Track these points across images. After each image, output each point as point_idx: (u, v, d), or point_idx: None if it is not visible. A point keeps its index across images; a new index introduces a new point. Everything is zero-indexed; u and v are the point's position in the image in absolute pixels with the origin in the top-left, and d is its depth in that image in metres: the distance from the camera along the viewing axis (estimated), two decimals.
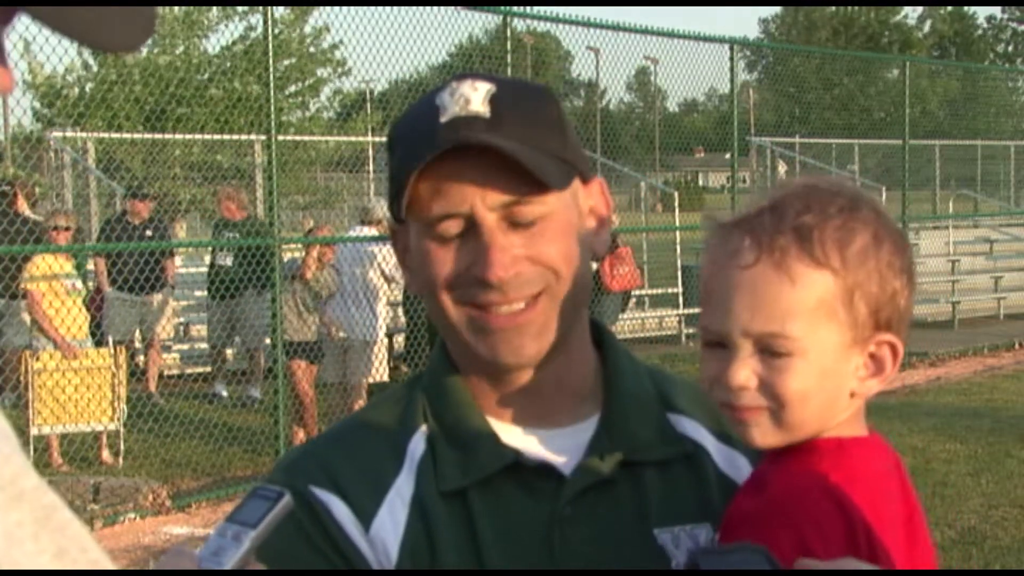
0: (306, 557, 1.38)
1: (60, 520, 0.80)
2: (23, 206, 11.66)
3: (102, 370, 9.43)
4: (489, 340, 1.39)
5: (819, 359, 1.29)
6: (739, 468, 1.48)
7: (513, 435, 1.44)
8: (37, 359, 9.35)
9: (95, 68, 18.87)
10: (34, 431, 9.27)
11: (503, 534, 1.38)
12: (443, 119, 1.37)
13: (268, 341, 10.18)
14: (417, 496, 1.40)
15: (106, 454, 9.62)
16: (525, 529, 1.39)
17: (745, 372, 1.30)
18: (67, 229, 9.98)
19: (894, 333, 1.32)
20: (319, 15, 17.48)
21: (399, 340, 13.66)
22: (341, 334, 10.28)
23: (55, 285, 9.71)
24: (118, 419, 9.49)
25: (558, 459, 1.43)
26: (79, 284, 10.01)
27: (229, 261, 11.70)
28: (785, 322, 1.28)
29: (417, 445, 1.44)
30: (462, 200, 1.36)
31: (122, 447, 9.69)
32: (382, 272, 10.44)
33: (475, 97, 1.38)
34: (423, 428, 1.45)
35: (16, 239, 10.17)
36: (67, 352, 9.44)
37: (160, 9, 18.31)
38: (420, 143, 1.37)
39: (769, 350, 1.30)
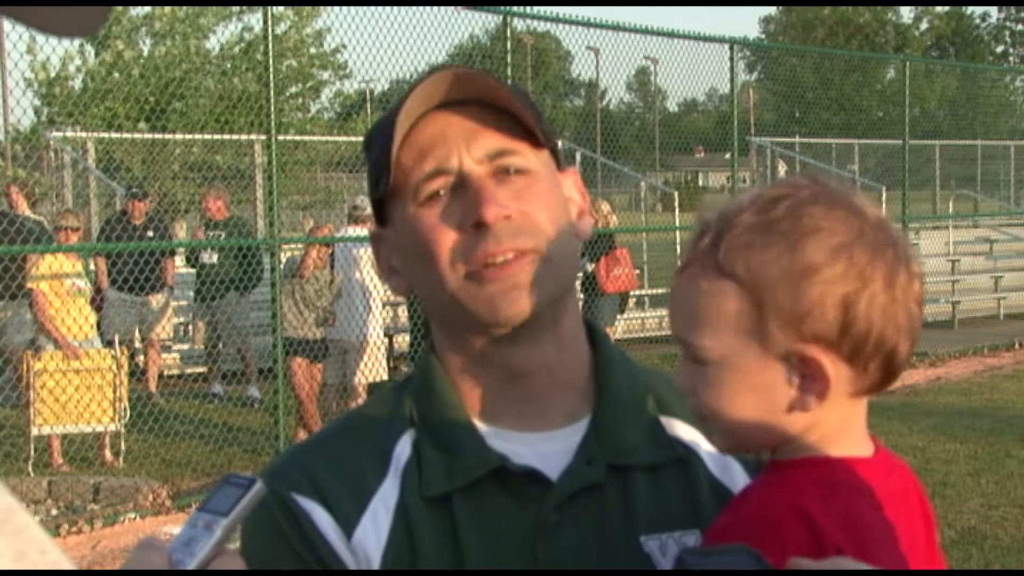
0: (286, 564, 1.37)
1: (18, 523, 0.79)
2: (23, 206, 11.66)
3: (103, 371, 9.41)
4: (486, 294, 1.36)
5: (734, 370, 1.26)
6: (732, 474, 1.46)
7: (501, 438, 1.42)
8: (39, 359, 9.35)
9: (94, 64, 18.87)
10: (35, 431, 9.27)
11: (487, 541, 1.36)
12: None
13: (269, 339, 10.18)
14: (401, 503, 1.39)
15: (108, 454, 9.60)
16: (510, 536, 1.37)
17: (682, 378, 1.30)
18: (76, 229, 9.96)
19: (826, 347, 1.24)
20: (322, 16, 17.48)
21: (399, 340, 13.67)
22: (337, 335, 10.28)
23: (57, 285, 9.70)
24: (119, 420, 9.47)
25: (546, 463, 1.40)
26: (83, 284, 9.98)
27: (215, 259, 11.79)
28: (693, 330, 1.27)
29: (403, 450, 1.42)
30: (448, 155, 1.36)
31: (123, 447, 9.67)
32: (376, 272, 10.44)
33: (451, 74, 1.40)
34: (409, 432, 1.43)
35: (16, 239, 10.16)
36: (69, 352, 9.44)
37: (157, 8, 18.31)
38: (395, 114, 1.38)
39: (692, 359, 1.29)
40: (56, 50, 17.53)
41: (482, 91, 1.37)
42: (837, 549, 1.20)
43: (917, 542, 1.31)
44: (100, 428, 9.48)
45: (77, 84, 18.32)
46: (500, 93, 1.37)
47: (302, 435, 9.80)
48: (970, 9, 72.03)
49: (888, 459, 1.34)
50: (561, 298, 1.42)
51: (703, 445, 1.45)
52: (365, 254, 10.45)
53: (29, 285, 9.82)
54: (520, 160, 1.38)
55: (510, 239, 1.35)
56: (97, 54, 18.48)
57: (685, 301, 1.28)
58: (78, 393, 9.31)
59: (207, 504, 1.15)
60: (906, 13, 73.08)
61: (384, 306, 11.09)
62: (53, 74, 18.11)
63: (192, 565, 1.10)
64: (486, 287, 1.36)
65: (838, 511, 1.23)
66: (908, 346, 1.28)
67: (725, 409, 1.27)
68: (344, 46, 17.24)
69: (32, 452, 9.24)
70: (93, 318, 10.10)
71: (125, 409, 9.55)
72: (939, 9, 70.03)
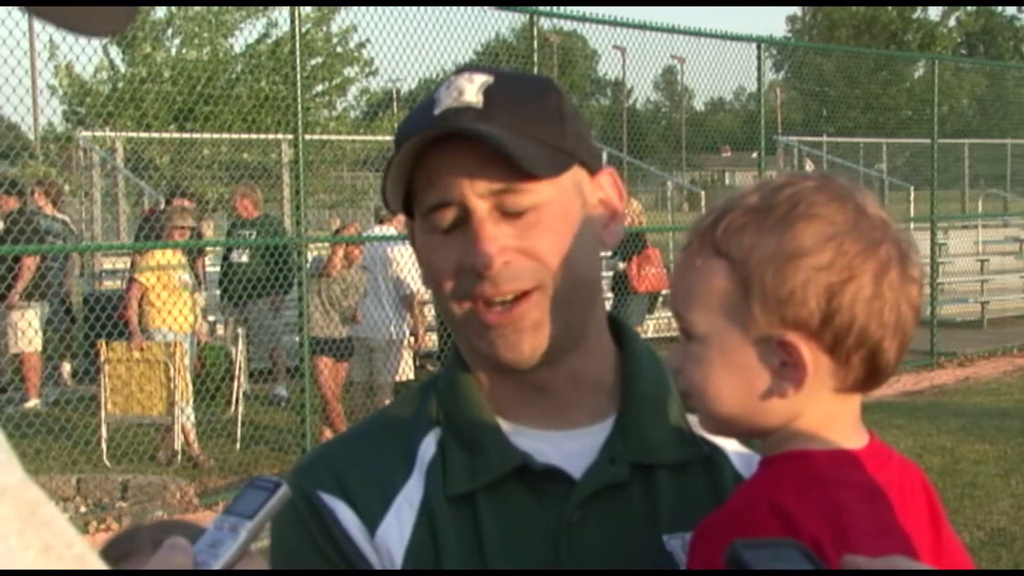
0: (311, 561, 1.39)
1: (45, 515, 0.79)
2: (47, 206, 11.74)
3: (159, 363, 9.44)
4: (487, 337, 1.38)
5: (717, 349, 1.27)
6: None
7: (525, 437, 1.43)
8: (111, 349, 9.43)
9: (123, 68, 18.98)
10: (104, 420, 9.42)
11: (509, 539, 1.37)
12: (436, 111, 1.38)
13: (296, 339, 10.22)
14: (425, 501, 1.40)
15: (195, 448, 9.56)
16: (532, 534, 1.37)
17: (673, 355, 1.32)
18: (189, 228, 9.86)
19: (807, 335, 1.23)
20: (345, 14, 17.52)
21: (426, 339, 13.71)
22: (364, 333, 10.30)
23: (166, 279, 9.73)
24: (170, 411, 9.45)
25: (570, 462, 1.40)
26: (188, 278, 9.97)
27: (245, 258, 11.80)
28: (684, 305, 1.29)
29: (428, 448, 1.43)
30: (452, 189, 1.35)
31: (176, 445, 9.55)
32: (397, 275, 10.46)
33: (469, 88, 1.38)
34: (435, 431, 1.44)
35: (33, 239, 10.24)
36: (133, 343, 9.52)
37: (182, 8, 18.40)
38: (412, 136, 1.36)
39: (683, 333, 1.30)
40: (85, 50, 17.63)
41: (485, 135, 1.34)
42: (814, 542, 1.18)
43: (922, 534, 1.29)
44: (152, 420, 9.54)
45: (106, 90, 18.42)
46: (503, 139, 1.34)
47: (328, 434, 9.83)
48: (1001, 8, 71.55)
49: (882, 451, 1.32)
50: (580, 319, 1.41)
51: (729, 443, 1.45)
52: (393, 253, 10.47)
53: (135, 276, 9.88)
54: (527, 197, 1.36)
55: (509, 282, 1.36)
56: (124, 55, 18.58)
57: (682, 277, 1.30)
58: (137, 385, 9.39)
59: (233, 507, 1.16)
60: (934, 12, 72.71)
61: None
62: (82, 80, 18.22)
63: (217, 566, 1.11)
64: (487, 331, 1.38)
65: (818, 504, 1.22)
66: (895, 345, 1.27)
67: (706, 387, 1.28)
68: (369, 41, 17.30)
69: (104, 441, 9.37)
70: (191, 314, 10.08)
71: (184, 403, 9.47)
72: (968, 7, 69.57)
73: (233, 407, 10.70)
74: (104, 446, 9.41)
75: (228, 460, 9.49)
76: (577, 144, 1.42)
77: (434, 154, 1.36)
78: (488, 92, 1.38)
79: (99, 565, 0.81)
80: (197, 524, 1.48)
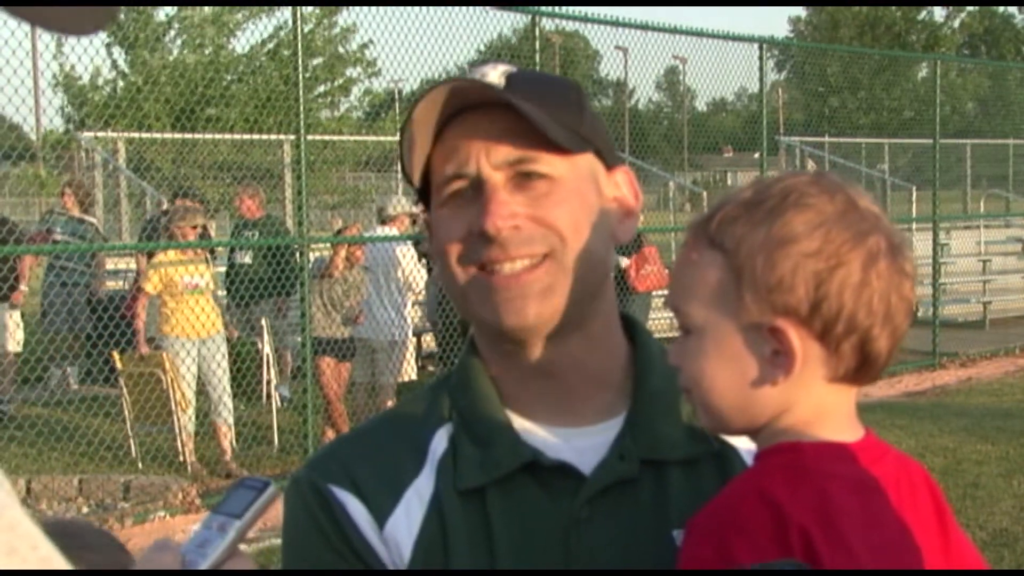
0: (321, 554, 1.40)
1: (9, 518, 0.79)
2: (74, 208, 11.73)
3: (153, 373, 9.38)
4: (492, 301, 1.38)
5: (712, 339, 1.28)
6: None
7: (536, 432, 1.43)
8: (123, 362, 9.41)
9: (125, 69, 18.98)
10: (129, 429, 9.48)
11: (518, 535, 1.37)
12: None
13: (298, 339, 10.22)
14: (436, 495, 1.40)
15: (190, 455, 9.45)
16: (541, 530, 1.38)
17: (672, 352, 1.33)
18: (200, 228, 9.62)
19: (797, 322, 1.25)
20: (347, 14, 17.54)
21: (427, 340, 13.70)
22: (367, 334, 10.29)
23: (176, 279, 9.37)
24: (163, 421, 9.41)
25: (581, 458, 1.41)
26: (199, 280, 9.50)
27: (248, 259, 11.77)
28: (681, 298, 1.30)
29: (439, 443, 1.44)
30: (468, 159, 1.38)
31: (181, 449, 9.50)
32: (403, 275, 10.45)
33: (492, 73, 1.42)
34: (446, 426, 1.45)
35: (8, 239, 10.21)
36: (138, 351, 9.50)
37: (188, 8, 18.41)
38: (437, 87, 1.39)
39: (681, 329, 1.31)
40: (87, 50, 17.63)
41: (506, 98, 1.37)
42: (803, 533, 1.19)
43: (928, 530, 1.30)
44: (150, 428, 9.58)
45: (107, 91, 18.44)
46: (522, 106, 1.36)
47: (330, 434, 9.83)
48: (1001, 8, 71.45)
49: (877, 446, 1.33)
50: (588, 300, 1.42)
51: (740, 440, 1.45)
52: (397, 254, 10.46)
53: (141, 284, 9.76)
54: (542, 167, 1.38)
55: (519, 247, 1.37)
56: (127, 56, 18.58)
57: (678, 271, 1.32)
58: (152, 392, 9.36)
59: (221, 506, 1.17)
60: (938, 12, 72.60)
61: (412, 305, 11.13)
62: (83, 81, 18.23)
63: (204, 566, 1.12)
64: (493, 294, 1.38)
65: (807, 496, 1.23)
66: (886, 334, 1.27)
67: (702, 379, 1.30)
68: (372, 42, 17.30)
69: (135, 449, 9.42)
70: (215, 315, 9.72)
71: (179, 410, 9.39)
72: (971, 8, 69.51)
73: (265, 403, 10.69)
74: (135, 451, 9.46)
75: (230, 460, 9.48)
76: (594, 135, 1.44)
77: (453, 126, 1.39)
78: (510, 77, 1.42)
79: (65, 567, 0.81)
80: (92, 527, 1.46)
